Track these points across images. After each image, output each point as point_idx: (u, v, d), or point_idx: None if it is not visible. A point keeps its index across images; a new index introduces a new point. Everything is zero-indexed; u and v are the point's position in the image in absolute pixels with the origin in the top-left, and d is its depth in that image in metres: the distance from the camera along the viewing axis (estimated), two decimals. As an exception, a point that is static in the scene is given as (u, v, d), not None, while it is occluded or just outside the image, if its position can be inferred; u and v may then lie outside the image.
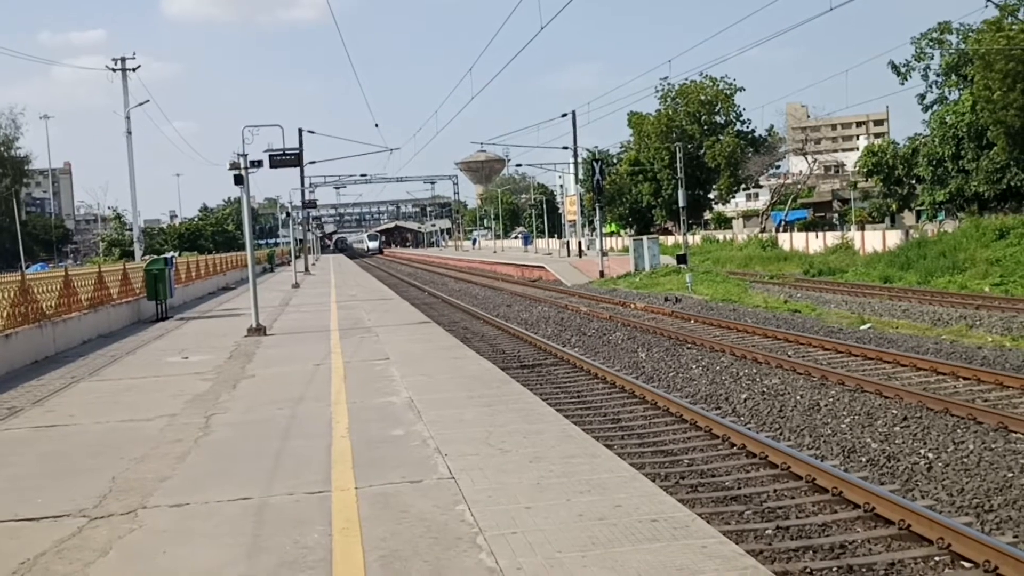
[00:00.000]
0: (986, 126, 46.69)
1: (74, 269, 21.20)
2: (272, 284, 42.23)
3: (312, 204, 68.43)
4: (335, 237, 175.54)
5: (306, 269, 56.42)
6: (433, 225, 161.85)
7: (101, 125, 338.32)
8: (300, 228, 66.76)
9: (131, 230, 54.83)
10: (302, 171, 58.73)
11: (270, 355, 15.40)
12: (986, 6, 43.64)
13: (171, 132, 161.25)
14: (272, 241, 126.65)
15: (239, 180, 18.89)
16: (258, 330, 18.54)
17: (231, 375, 13.16)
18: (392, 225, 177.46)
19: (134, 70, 45.23)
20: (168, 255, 29.52)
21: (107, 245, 75.95)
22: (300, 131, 58.09)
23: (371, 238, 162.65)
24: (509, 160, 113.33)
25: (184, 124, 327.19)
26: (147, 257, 38.89)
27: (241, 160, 18.88)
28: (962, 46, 50.56)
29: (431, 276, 62.34)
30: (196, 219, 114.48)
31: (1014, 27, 45.53)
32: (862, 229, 56.65)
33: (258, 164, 19.89)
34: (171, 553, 5.67)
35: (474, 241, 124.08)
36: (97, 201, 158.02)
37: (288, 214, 61.35)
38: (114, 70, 44.73)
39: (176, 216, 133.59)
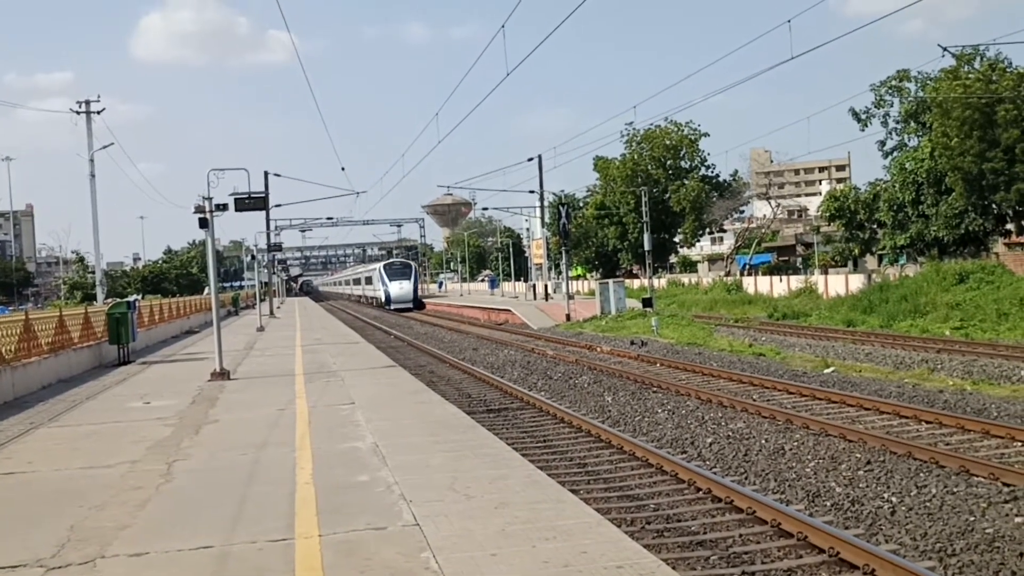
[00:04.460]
0: (944, 172, 47.63)
1: (35, 313, 20.93)
2: (237, 327, 41.89)
3: (278, 247, 68.03)
4: (300, 280, 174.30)
5: (271, 312, 56.07)
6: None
7: (65, 167, 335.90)
8: (265, 271, 66.31)
9: (93, 273, 54.20)
10: (268, 214, 58.61)
11: (234, 400, 15.25)
12: (943, 55, 44.71)
13: (136, 175, 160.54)
14: (237, 284, 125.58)
15: (204, 223, 18.78)
16: (222, 374, 18.36)
17: (194, 420, 13.01)
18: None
19: (98, 113, 45.09)
20: (131, 298, 29.18)
21: (69, 288, 74.89)
22: (266, 174, 58.08)
23: (393, 272, 78.23)
24: (476, 203, 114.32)
25: (151, 166, 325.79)
26: (109, 300, 38.45)
27: (206, 203, 18.79)
28: (920, 94, 51.78)
29: (396, 319, 62.15)
30: (160, 262, 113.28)
31: (970, 76, 46.70)
32: (825, 273, 57.19)
33: (223, 208, 19.77)
34: (130, 604, 5.56)
35: (440, 284, 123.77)
36: (60, 244, 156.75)
37: (253, 257, 60.95)
38: (78, 112, 44.53)
39: (140, 259, 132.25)
